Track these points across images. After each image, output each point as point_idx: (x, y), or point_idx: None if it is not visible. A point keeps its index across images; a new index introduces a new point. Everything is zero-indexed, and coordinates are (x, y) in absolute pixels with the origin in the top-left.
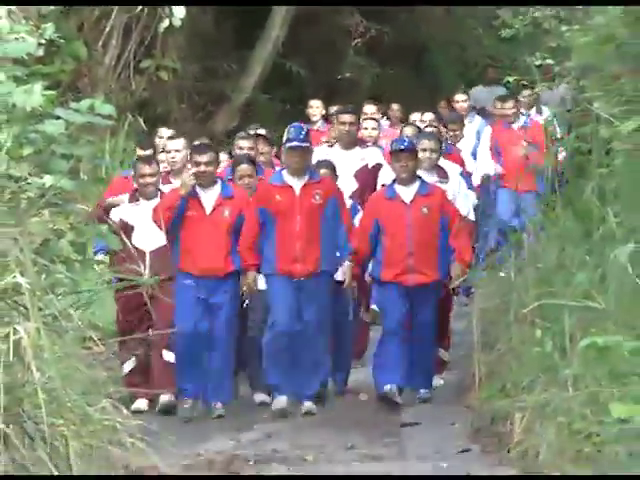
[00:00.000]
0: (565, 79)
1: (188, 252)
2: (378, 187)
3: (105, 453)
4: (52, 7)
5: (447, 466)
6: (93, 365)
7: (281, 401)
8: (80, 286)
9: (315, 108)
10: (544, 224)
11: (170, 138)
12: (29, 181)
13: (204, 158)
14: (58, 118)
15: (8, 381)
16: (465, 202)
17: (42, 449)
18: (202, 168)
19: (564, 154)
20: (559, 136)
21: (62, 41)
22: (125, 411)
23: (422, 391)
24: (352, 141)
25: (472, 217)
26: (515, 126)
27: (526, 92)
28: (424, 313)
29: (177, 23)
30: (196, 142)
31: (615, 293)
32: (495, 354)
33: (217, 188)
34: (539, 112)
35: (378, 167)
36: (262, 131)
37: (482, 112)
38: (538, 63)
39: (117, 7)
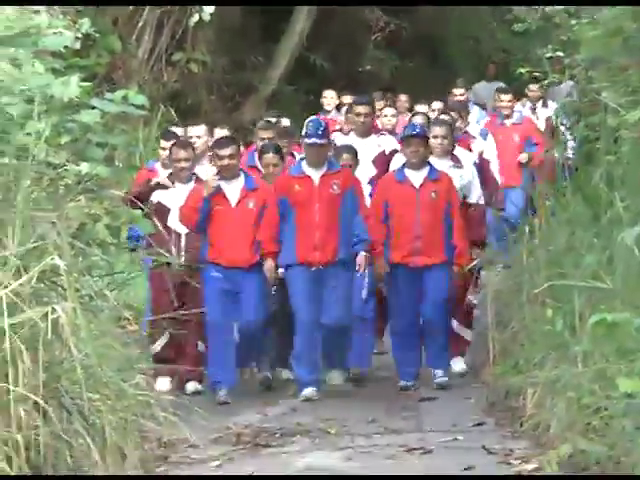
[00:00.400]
0: (572, 74)
1: (215, 244)
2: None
3: (139, 426)
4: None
5: (463, 438)
6: (127, 343)
7: (309, 392)
8: (115, 268)
9: (330, 98)
10: (555, 209)
11: (192, 125)
12: (67, 168)
13: (227, 151)
14: (94, 108)
15: (47, 358)
16: (476, 188)
17: (79, 423)
18: (225, 162)
19: (573, 144)
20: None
21: (98, 35)
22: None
23: (438, 374)
24: (367, 130)
25: (482, 202)
26: (508, 122)
27: (533, 86)
28: (433, 293)
29: (206, 18)
30: (218, 136)
31: (622, 274)
32: (508, 333)
33: (241, 180)
34: (545, 106)
35: (394, 153)
36: (286, 121)
37: (481, 107)
38: (549, 55)
39: (149, 8)
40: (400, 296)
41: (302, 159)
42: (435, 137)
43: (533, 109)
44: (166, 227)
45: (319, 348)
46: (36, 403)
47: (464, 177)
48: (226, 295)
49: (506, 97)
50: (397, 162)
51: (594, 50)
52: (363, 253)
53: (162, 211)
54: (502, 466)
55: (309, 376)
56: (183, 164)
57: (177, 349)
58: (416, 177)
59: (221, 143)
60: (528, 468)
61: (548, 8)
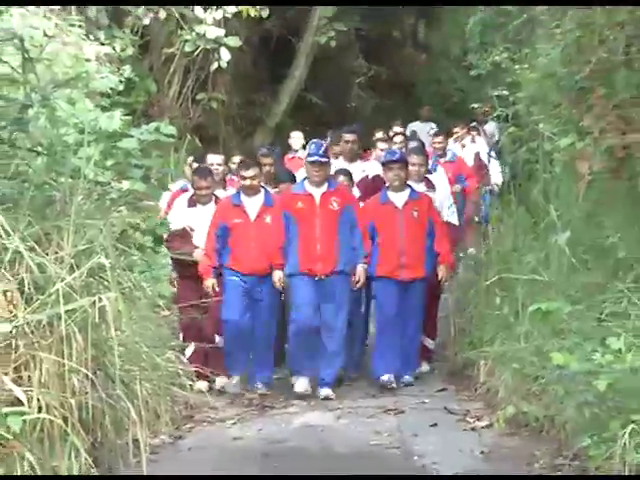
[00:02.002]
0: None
1: (235, 254)
2: None
3: (169, 392)
4: (130, 53)
5: (429, 401)
6: (160, 325)
7: (302, 383)
8: (151, 266)
9: (297, 139)
10: (503, 217)
11: (213, 153)
12: (111, 185)
13: (250, 173)
14: (133, 137)
15: (95, 337)
16: (449, 208)
17: (120, 389)
18: (248, 182)
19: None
20: (490, 161)
21: (137, 79)
22: (185, 360)
23: (406, 377)
24: (354, 156)
25: (455, 221)
26: (443, 160)
27: (458, 128)
28: (413, 302)
29: (224, 65)
30: (240, 159)
31: (556, 269)
32: (466, 316)
33: (260, 197)
34: (473, 141)
35: (377, 177)
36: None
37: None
38: (497, 94)
39: (179, 52)
40: (387, 306)
41: (304, 179)
42: (413, 165)
43: (463, 145)
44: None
45: (316, 350)
46: (86, 374)
47: (437, 199)
48: (243, 297)
49: (438, 139)
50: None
51: (533, 89)
52: (361, 265)
53: (186, 232)
54: (460, 423)
55: (302, 368)
56: (204, 191)
57: (204, 353)
58: (398, 198)
59: (246, 165)
60: (481, 424)
61: (496, 57)
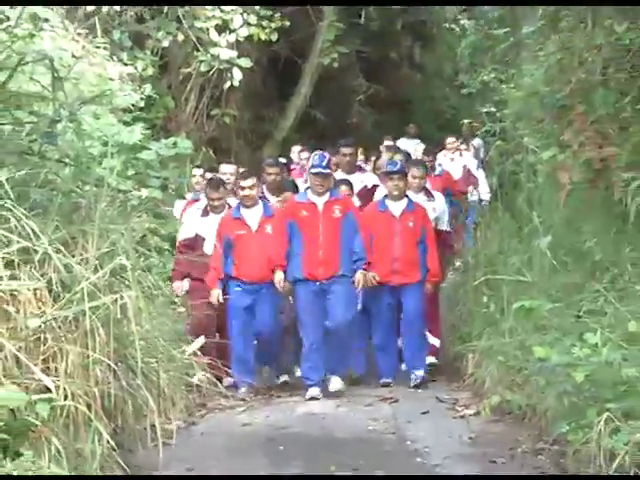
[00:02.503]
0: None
1: (239, 264)
2: None
3: (184, 382)
4: (150, 72)
5: (421, 391)
6: (176, 321)
7: (314, 390)
8: (167, 267)
9: (297, 153)
10: (490, 223)
11: (226, 163)
12: (132, 193)
13: (248, 183)
14: (152, 150)
15: (117, 332)
16: (445, 217)
17: (140, 379)
18: (247, 192)
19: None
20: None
21: (156, 96)
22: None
23: (413, 376)
24: (352, 167)
25: (449, 228)
26: (432, 174)
27: (451, 139)
28: (410, 307)
29: (236, 83)
30: (243, 170)
31: (538, 271)
32: (456, 313)
33: (259, 208)
34: (461, 155)
35: (375, 188)
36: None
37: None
38: (486, 111)
39: (195, 72)
40: (381, 309)
41: (307, 188)
42: (414, 177)
43: (452, 159)
44: (202, 253)
45: (323, 354)
46: (109, 365)
47: (436, 209)
48: (246, 305)
49: (427, 158)
50: (379, 194)
51: (518, 106)
52: (360, 271)
53: (199, 240)
54: (450, 411)
55: (314, 378)
56: (216, 202)
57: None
58: (396, 207)
59: (243, 176)
60: (469, 412)
61: (485, 76)
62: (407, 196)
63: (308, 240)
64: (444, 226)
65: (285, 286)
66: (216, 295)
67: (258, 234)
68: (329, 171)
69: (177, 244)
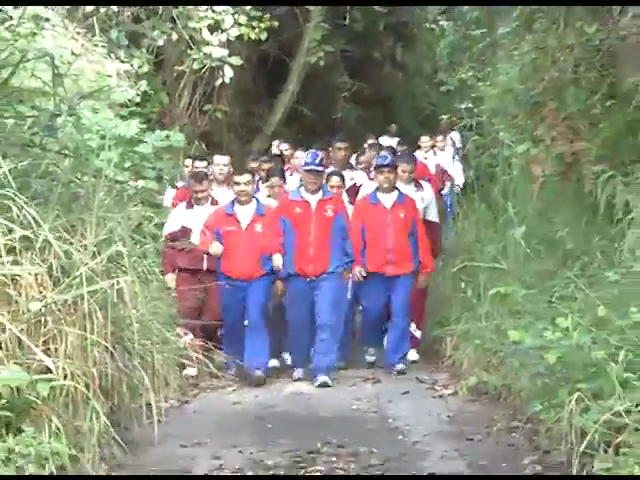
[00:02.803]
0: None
1: (228, 259)
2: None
3: (178, 362)
4: (146, 69)
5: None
6: (170, 305)
7: (299, 372)
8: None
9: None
10: (467, 214)
11: (220, 154)
12: (129, 184)
13: (243, 179)
14: (147, 143)
15: (114, 315)
16: (433, 208)
17: (136, 360)
18: (242, 187)
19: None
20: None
21: (152, 92)
22: (191, 335)
23: (399, 365)
24: (345, 163)
25: (437, 219)
26: None
27: (424, 138)
28: (400, 295)
29: (227, 80)
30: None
31: (512, 259)
32: (435, 299)
33: (252, 206)
34: (434, 154)
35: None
36: (285, 146)
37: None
38: (464, 107)
39: (188, 69)
40: (373, 298)
41: (300, 186)
42: (404, 171)
43: (425, 158)
44: (190, 243)
45: (307, 341)
46: (106, 346)
47: (425, 199)
48: (237, 299)
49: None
50: (364, 191)
51: (494, 103)
52: (358, 268)
53: (186, 231)
54: (429, 391)
55: (300, 363)
56: (200, 194)
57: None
58: (387, 200)
59: (239, 172)
60: (447, 392)
61: (463, 75)
62: (397, 188)
63: (300, 237)
64: (432, 217)
65: (278, 286)
66: (217, 246)
67: (247, 232)
68: (322, 168)
69: (163, 237)
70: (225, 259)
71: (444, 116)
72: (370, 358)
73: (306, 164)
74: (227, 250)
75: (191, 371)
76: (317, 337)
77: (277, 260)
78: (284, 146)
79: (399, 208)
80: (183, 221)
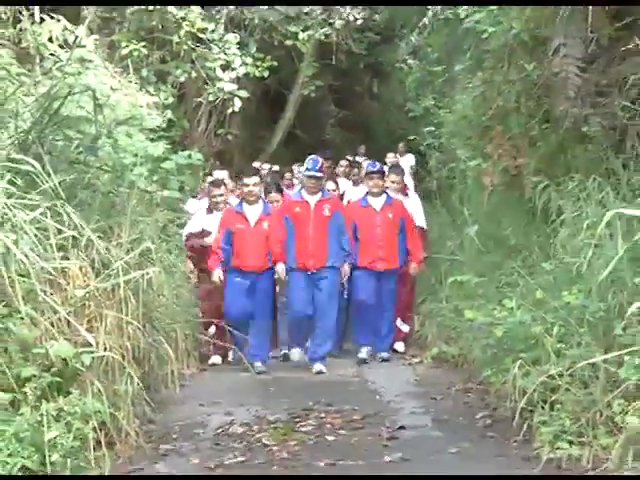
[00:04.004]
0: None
1: (237, 254)
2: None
3: (198, 337)
4: (170, 101)
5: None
6: (190, 291)
7: (297, 352)
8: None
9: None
10: (432, 216)
11: (219, 169)
12: (156, 193)
13: (252, 181)
14: (172, 160)
15: (144, 300)
16: (420, 215)
17: (162, 336)
18: (250, 188)
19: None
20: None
21: (175, 119)
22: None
23: (383, 353)
24: (329, 175)
25: (424, 225)
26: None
27: (390, 155)
28: (388, 289)
29: (236, 109)
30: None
31: (467, 252)
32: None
33: (260, 206)
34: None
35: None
36: (276, 167)
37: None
38: (428, 130)
39: (205, 101)
40: (365, 291)
41: (302, 188)
42: (393, 182)
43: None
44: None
45: (309, 332)
46: (138, 325)
47: (411, 206)
48: (244, 291)
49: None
50: (347, 196)
51: (452, 127)
52: (347, 263)
53: (205, 234)
54: (401, 360)
55: (298, 341)
56: (218, 198)
57: (220, 334)
58: (376, 203)
59: (248, 174)
60: (415, 361)
61: (427, 103)
62: (386, 193)
63: (300, 234)
64: (419, 222)
65: (283, 276)
66: (217, 274)
67: (255, 229)
68: (321, 174)
69: (184, 237)
70: (235, 254)
71: (411, 137)
72: (363, 355)
73: (307, 170)
74: (237, 245)
75: (216, 359)
76: (315, 328)
77: (280, 270)
78: (265, 166)
79: (388, 210)
80: (203, 224)
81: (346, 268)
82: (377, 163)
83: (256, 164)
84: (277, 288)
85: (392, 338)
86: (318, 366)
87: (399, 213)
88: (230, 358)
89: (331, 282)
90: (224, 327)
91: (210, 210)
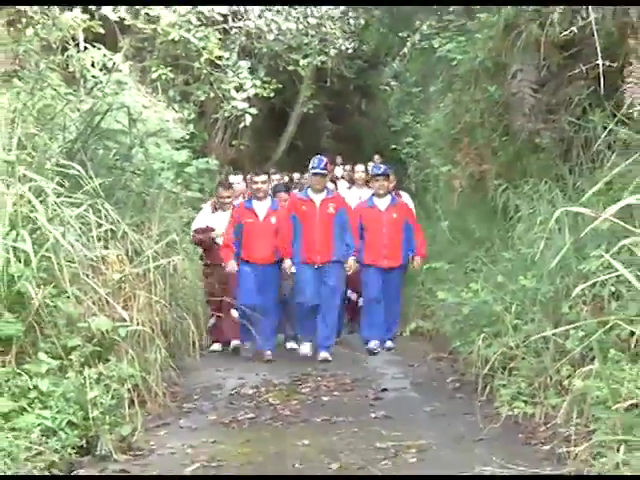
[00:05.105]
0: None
1: (247, 247)
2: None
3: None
4: (192, 117)
5: None
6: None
7: (307, 346)
8: None
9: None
10: None
11: (234, 174)
12: (180, 194)
13: (260, 179)
14: (193, 166)
15: (170, 282)
16: (412, 215)
17: (185, 312)
18: (259, 185)
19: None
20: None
21: (196, 132)
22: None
23: (389, 343)
24: (330, 178)
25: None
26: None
27: (377, 156)
28: (393, 285)
29: (247, 124)
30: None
31: (440, 243)
32: None
33: (268, 202)
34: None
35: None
36: (286, 178)
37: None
38: (407, 141)
39: (221, 116)
40: (371, 287)
41: (308, 187)
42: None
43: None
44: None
45: (316, 322)
46: (165, 304)
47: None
48: (254, 282)
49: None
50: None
51: (427, 139)
52: (352, 257)
53: (209, 229)
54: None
55: (307, 339)
56: (226, 200)
57: (223, 323)
58: (382, 203)
59: (257, 173)
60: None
61: (406, 119)
62: (391, 194)
63: (307, 230)
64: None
65: (289, 270)
66: (232, 265)
67: (264, 223)
68: (326, 172)
69: (192, 232)
70: (245, 246)
71: (394, 146)
72: (372, 346)
73: (313, 168)
74: (247, 238)
75: (216, 346)
76: (321, 318)
77: (286, 264)
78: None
79: (392, 210)
80: (208, 222)
81: (350, 262)
82: (382, 166)
83: (266, 174)
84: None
85: (397, 329)
86: (324, 354)
87: (403, 213)
88: (233, 346)
89: (336, 275)
90: (228, 317)
91: (215, 209)
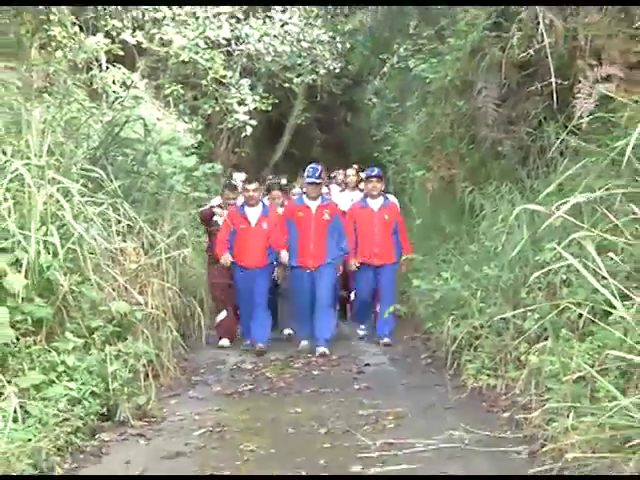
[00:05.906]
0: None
1: (240, 251)
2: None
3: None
4: (200, 127)
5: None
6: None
7: (305, 343)
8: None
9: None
10: None
11: (238, 171)
12: (190, 194)
13: (252, 186)
14: (200, 170)
15: (180, 272)
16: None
17: (193, 298)
18: (251, 193)
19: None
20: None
21: (204, 140)
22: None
23: (386, 339)
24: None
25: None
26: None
27: (350, 171)
28: (385, 283)
29: (248, 134)
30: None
31: (415, 237)
32: None
33: (259, 208)
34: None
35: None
36: (284, 180)
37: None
38: (387, 149)
39: (225, 127)
40: (363, 284)
41: (303, 194)
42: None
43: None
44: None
45: (309, 317)
46: (176, 290)
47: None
48: (248, 283)
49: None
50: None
51: (404, 147)
52: (353, 259)
53: (212, 213)
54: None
55: (305, 336)
56: (231, 201)
57: (230, 319)
58: (374, 204)
59: (249, 180)
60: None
61: (386, 130)
62: (383, 195)
63: (302, 236)
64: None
65: (279, 272)
66: (226, 257)
67: (255, 228)
68: (320, 181)
69: (200, 216)
70: (238, 251)
71: (376, 154)
72: (362, 332)
73: (307, 177)
74: (239, 243)
75: (225, 342)
76: (317, 316)
77: (283, 256)
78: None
79: (384, 211)
80: (217, 220)
81: (351, 263)
82: (375, 168)
83: (258, 181)
84: (278, 278)
85: (393, 324)
86: (322, 349)
87: (394, 214)
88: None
89: (330, 276)
90: (231, 314)
91: (221, 207)
